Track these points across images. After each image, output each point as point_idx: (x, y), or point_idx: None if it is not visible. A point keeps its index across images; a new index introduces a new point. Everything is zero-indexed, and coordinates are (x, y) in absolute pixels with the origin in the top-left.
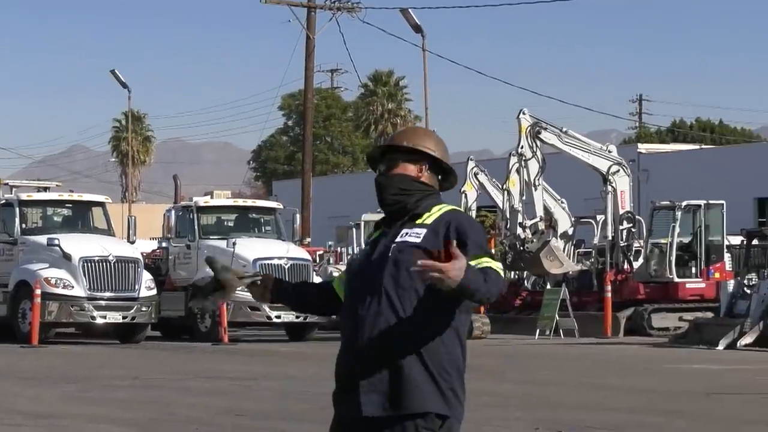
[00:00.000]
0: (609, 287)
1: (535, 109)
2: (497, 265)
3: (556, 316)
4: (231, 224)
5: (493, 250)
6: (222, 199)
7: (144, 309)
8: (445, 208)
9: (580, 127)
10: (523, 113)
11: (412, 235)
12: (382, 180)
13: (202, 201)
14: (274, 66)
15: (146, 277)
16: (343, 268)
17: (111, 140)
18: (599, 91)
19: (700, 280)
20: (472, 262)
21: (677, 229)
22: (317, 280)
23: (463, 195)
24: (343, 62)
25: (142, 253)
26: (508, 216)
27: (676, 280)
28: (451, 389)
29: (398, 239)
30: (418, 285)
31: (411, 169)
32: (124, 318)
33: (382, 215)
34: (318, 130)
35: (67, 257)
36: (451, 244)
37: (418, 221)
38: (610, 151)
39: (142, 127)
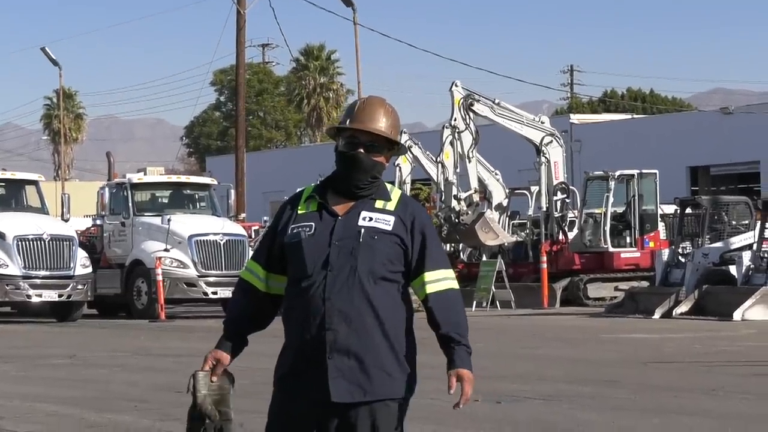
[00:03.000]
0: (545, 258)
1: (467, 81)
2: (453, 280)
3: (493, 287)
4: (165, 201)
5: None
6: (156, 175)
7: (80, 287)
8: (397, 191)
9: (512, 98)
10: (456, 85)
11: (380, 221)
12: (367, 161)
13: (136, 178)
14: (206, 41)
15: (81, 254)
16: None
17: (42, 118)
18: (530, 63)
19: (635, 249)
20: (430, 277)
21: (611, 199)
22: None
23: (398, 168)
24: (274, 37)
25: (76, 231)
26: (442, 189)
27: (611, 249)
28: (413, 371)
29: (363, 222)
30: (388, 274)
31: (385, 159)
32: (60, 296)
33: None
34: (251, 105)
35: (1, 236)
36: (453, 384)
37: (378, 204)
38: (542, 122)
39: (74, 105)
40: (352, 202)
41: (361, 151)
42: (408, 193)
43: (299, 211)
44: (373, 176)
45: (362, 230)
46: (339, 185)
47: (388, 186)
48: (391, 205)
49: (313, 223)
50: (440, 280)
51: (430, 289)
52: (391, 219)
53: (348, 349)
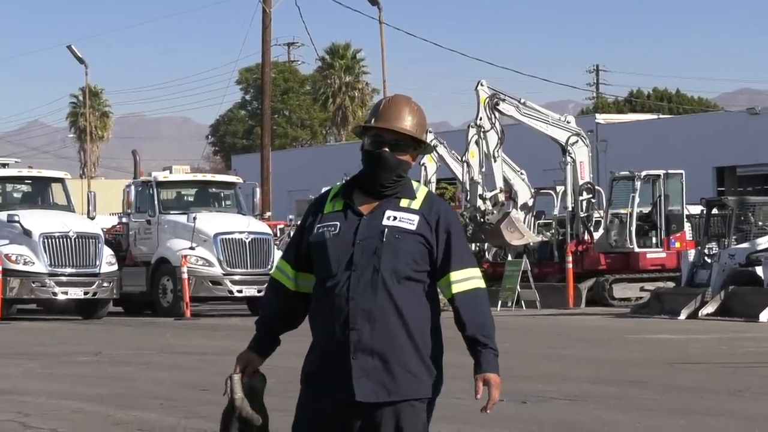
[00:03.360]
0: (570, 258)
1: (492, 80)
2: (480, 279)
3: (518, 287)
4: (191, 199)
5: None
6: (181, 174)
7: (105, 284)
8: (423, 189)
9: (537, 98)
10: (481, 85)
11: (405, 220)
12: (392, 160)
13: (162, 176)
14: (232, 40)
15: (107, 252)
16: None
17: (69, 116)
18: (556, 62)
19: (661, 250)
20: (456, 277)
21: (637, 199)
22: (278, 253)
23: (423, 167)
24: (299, 35)
25: (102, 229)
26: (468, 188)
27: (637, 250)
28: (439, 371)
29: (387, 222)
30: (413, 273)
31: (411, 157)
32: (85, 294)
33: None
34: (276, 103)
35: (27, 233)
36: (480, 389)
37: (403, 203)
38: (568, 122)
39: (100, 103)
40: (377, 201)
41: (386, 149)
42: None
43: (325, 211)
44: (398, 175)
45: (386, 230)
46: (365, 184)
47: (415, 184)
48: (416, 204)
49: (338, 223)
50: (467, 279)
51: (456, 288)
52: (416, 218)
53: (372, 348)
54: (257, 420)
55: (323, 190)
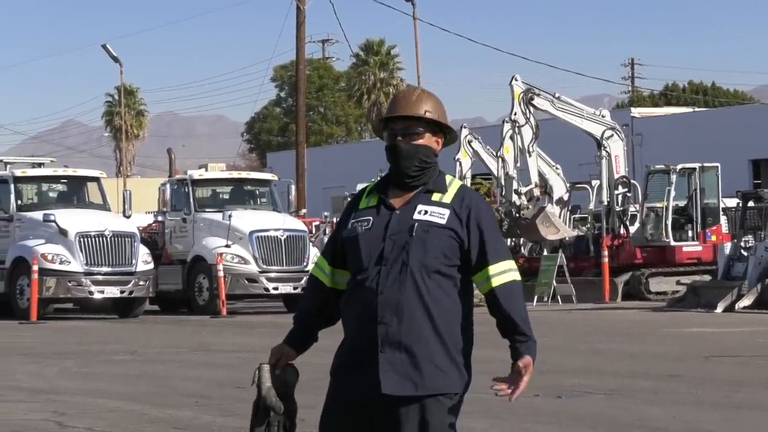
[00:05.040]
0: (606, 252)
1: (526, 75)
2: (516, 271)
3: (554, 282)
4: (226, 197)
5: None
6: (217, 171)
7: (141, 283)
8: (456, 183)
9: (572, 92)
10: (516, 80)
11: (435, 214)
12: (407, 147)
13: (197, 174)
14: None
15: (143, 251)
16: None
17: (104, 115)
18: (591, 56)
19: (697, 243)
20: (494, 270)
21: (673, 193)
22: (314, 251)
23: (458, 163)
24: (334, 32)
25: (138, 228)
26: (503, 183)
27: (673, 243)
28: (467, 366)
29: (418, 216)
30: (442, 268)
31: (432, 141)
32: (121, 292)
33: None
34: (311, 100)
35: (63, 233)
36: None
37: (435, 197)
38: (603, 116)
39: (135, 101)
40: (410, 195)
41: (399, 138)
42: None
43: (360, 207)
44: (420, 160)
45: (416, 224)
46: (394, 179)
47: (448, 178)
48: (447, 198)
49: (370, 218)
50: (504, 272)
51: (496, 282)
52: (446, 212)
53: (399, 342)
54: (279, 408)
55: (359, 187)
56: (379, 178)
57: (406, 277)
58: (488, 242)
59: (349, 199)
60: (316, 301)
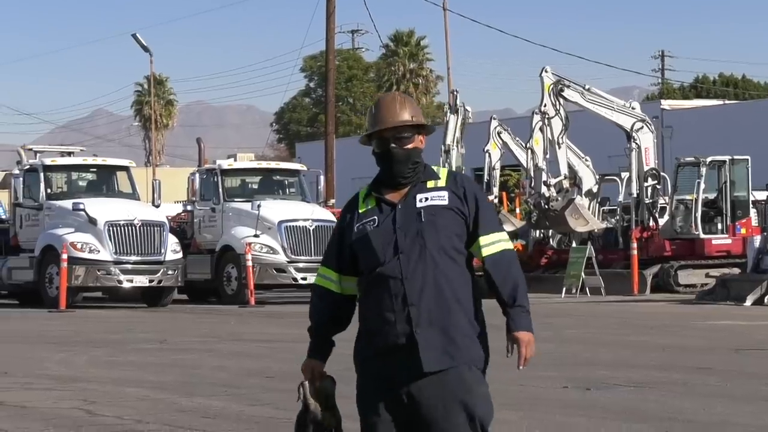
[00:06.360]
0: (635, 245)
1: (557, 66)
2: (507, 242)
3: (582, 274)
4: (255, 187)
5: (517, 210)
6: (246, 161)
7: (170, 272)
8: (444, 169)
9: (602, 84)
10: (546, 71)
11: (436, 198)
12: (401, 152)
13: (226, 164)
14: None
15: (172, 240)
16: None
17: (134, 104)
18: (621, 48)
19: (727, 236)
20: (484, 241)
21: (702, 186)
22: None
23: (487, 154)
24: (364, 23)
25: (167, 217)
26: (532, 175)
27: (702, 236)
28: (484, 333)
29: (420, 204)
30: (455, 244)
31: (419, 141)
32: (150, 282)
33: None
34: (340, 91)
35: (92, 222)
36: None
37: (430, 185)
38: (633, 108)
39: (165, 91)
40: (405, 190)
41: (393, 145)
42: (497, 180)
43: (360, 211)
44: (413, 162)
45: (421, 211)
46: (387, 181)
47: (434, 167)
48: (441, 182)
49: (375, 217)
50: (494, 242)
51: (485, 252)
52: (445, 194)
53: (431, 321)
54: (330, 423)
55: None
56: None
57: (426, 259)
58: (481, 215)
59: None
60: (328, 311)
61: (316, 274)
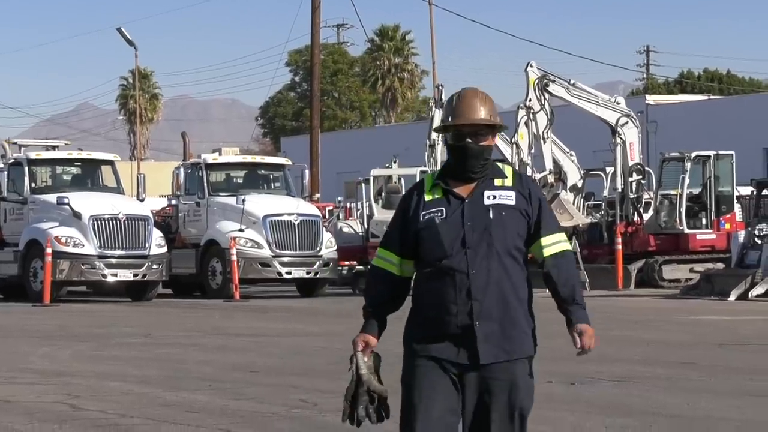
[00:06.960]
0: (620, 239)
1: (542, 61)
2: (567, 242)
3: None
4: (240, 181)
5: None
6: (231, 156)
7: (155, 266)
8: (509, 168)
9: (587, 79)
10: (531, 66)
11: (504, 197)
12: (476, 148)
13: (211, 158)
14: (281, 22)
15: (156, 234)
16: (352, 223)
17: (118, 98)
18: (606, 43)
19: (711, 231)
20: (546, 241)
21: (687, 181)
22: (327, 235)
23: None
24: (349, 17)
25: (151, 211)
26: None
27: (687, 231)
28: (535, 330)
29: (489, 201)
30: (519, 245)
31: (491, 140)
32: (135, 276)
33: (393, 171)
34: (325, 85)
35: (77, 216)
36: (578, 341)
37: (497, 182)
38: (618, 103)
39: (150, 85)
40: (472, 185)
41: (469, 140)
42: None
43: (426, 198)
44: (484, 159)
45: (490, 208)
46: (456, 173)
47: (499, 164)
48: (508, 182)
49: (443, 208)
50: (556, 243)
51: (547, 252)
52: (512, 194)
53: (491, 315)
54: (384, 391)
55: (374, 173)
56: (395, 164)
57: (492, 257)
58: (544, 216)
59: (363, 184)
60: (387, 291)
61: (300, 268)
